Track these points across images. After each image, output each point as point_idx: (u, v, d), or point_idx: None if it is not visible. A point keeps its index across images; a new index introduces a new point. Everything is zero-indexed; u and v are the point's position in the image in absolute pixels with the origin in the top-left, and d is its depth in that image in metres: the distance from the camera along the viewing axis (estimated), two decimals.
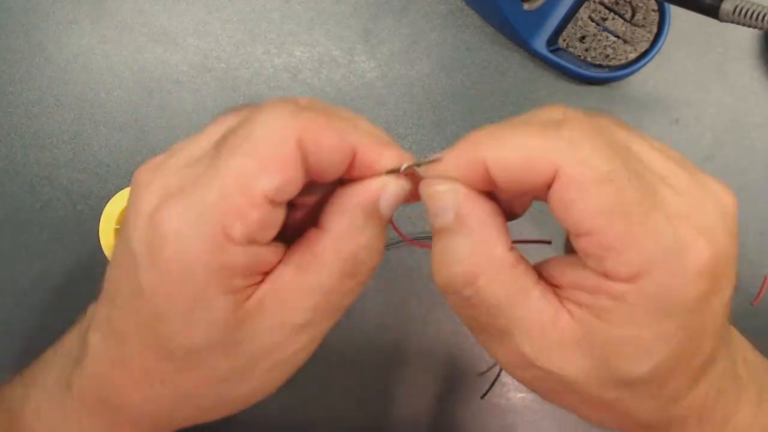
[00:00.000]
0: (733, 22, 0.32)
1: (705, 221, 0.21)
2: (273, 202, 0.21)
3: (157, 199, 0.22)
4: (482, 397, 0.46)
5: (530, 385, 0.24)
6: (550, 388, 0.23)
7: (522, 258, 0.23)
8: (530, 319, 0.22)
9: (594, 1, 0.44)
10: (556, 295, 0.23)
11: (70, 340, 0.29)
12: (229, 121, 0.23)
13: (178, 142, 0.25)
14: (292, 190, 0.21)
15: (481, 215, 0.23)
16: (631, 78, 0.45)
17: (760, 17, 0.31)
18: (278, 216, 0.22)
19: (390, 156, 0.23)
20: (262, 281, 0.23)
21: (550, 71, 0.46)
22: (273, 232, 0.22)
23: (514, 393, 0.46)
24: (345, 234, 0.23)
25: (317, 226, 0.24)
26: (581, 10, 0.44)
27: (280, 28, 0.46)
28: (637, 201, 0.20)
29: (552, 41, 0.44)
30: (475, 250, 0.22)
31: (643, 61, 0.43)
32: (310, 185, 0.23)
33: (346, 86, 0.46)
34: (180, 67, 0.46)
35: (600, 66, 0.44)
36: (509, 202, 0.25)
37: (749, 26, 0.31)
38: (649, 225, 0.20)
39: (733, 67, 0.45)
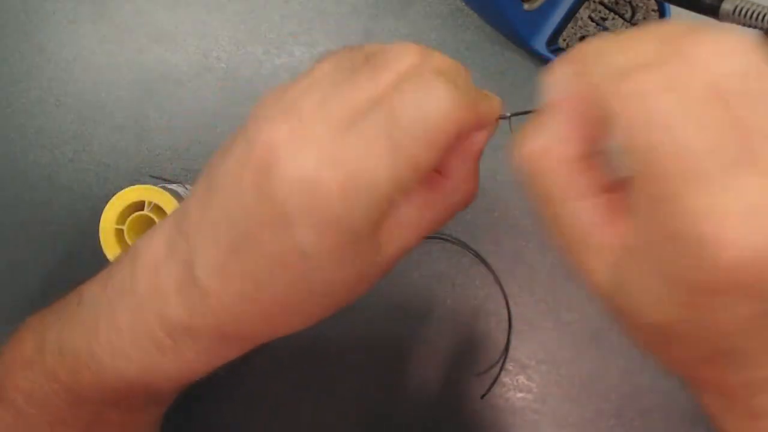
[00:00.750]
0: (733, 22, 0.32)
1: None
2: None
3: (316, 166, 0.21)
4: (482, 397, 0.46)
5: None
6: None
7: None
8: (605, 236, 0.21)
9: (594, 1, 0.44)
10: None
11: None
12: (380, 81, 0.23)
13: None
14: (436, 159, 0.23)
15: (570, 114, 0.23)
16: None
17: (760, 17, 0.31)
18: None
19: (496, 107, 0.27)
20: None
21: None
22: None
23: (513, 393, 0.46)
24: (465, 178, 0.27)
25: (440, 173, 0.26)
26: (581, 10, 0.44)
27: (280, 28, 0.46)
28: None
29: (552, 41, 0.44)
30: (558, 144, 0.23)
31: None
32: None
33: None
34: (180, 67, 0.46)
35: None
36: None
37: (749, 26, 0.31)
38: None
39: None
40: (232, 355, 0.28)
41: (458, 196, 0.27)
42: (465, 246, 0.46)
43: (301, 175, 0.21)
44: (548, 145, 0.22)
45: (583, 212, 0.21)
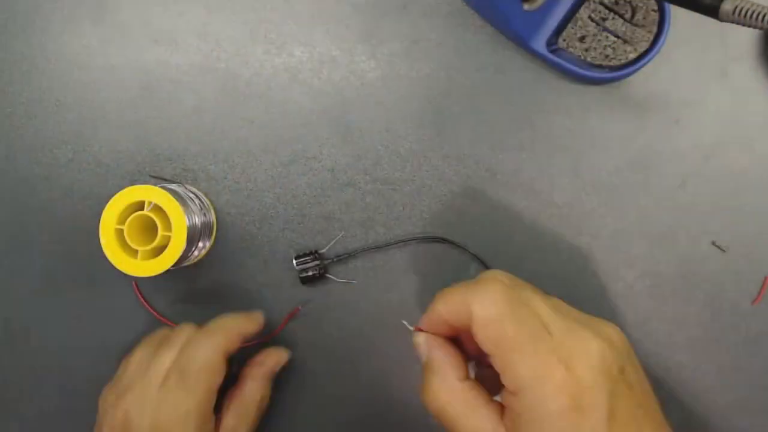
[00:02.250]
0: (733, 22, 0.32)
1: (568, 354, 0.30)
2: (216, 391, 0.40)
3: (152, 412, 0.38)
4: None
5: None
6: None
7: (476, 385, 0.33)
8: (479, 428, 0.31)
9: (594, 1, 0.44)
10: (503, 411, 0.31)
11: None
12: (173, 352, 0.40)
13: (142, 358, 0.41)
14: (220, 380, 0.40)
15: (441, 357, 0.34)
16: (631, 78, 0.45)
17: (760, 17, 0.31)
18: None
19: (257, 324, 0.43)
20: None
21: (550, 71, 0.46)
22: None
23: None
24: (257, 388, 0.42)
25: (240, 386, 0.42)
26: (581, 10, 0.44)
27: (280, 28, 0.46)
28: (516, 337, 0.30)
29: (552, 41, 0.44)
30: (439, 383, 0.33)
31: (643, 61, 0.43)
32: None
33: (346, 86, 0.46)
34: (180, 67, 0.46)
35: (600, 66, 0.44)
36: (467, 342, 0.35)
37: (749, 26, 0.31)
38: (524, 353, 0.30)
39: (733, 67, 0.45)
40: None
41: (257, 400, 0.42)
42: (465, 246, 0.46)
43: (148, 424, 0.37)
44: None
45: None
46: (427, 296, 0.46)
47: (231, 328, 0.41)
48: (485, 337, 0.31)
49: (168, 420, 0.37)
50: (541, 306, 0.32)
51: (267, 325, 0.44)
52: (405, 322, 0.37)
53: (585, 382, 0.29)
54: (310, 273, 0.45)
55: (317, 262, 0.45)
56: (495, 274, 0.34)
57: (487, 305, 0.31)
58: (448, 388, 0.33)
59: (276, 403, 0.46)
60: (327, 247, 0.46)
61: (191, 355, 0.39)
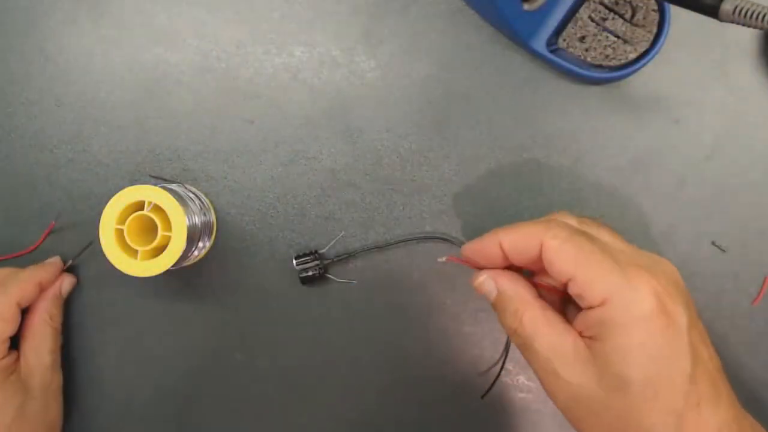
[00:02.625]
0: (733, 22, 0.32)
1: (645, 262, 0.32)
2: (5, 340, 0.42)
3: None
4: (482, 397, 0.46)
5: (554, 397, 0.33)
6: (569, 398, 0.32)
7: (547, 305, 0.34)
8: (558, 343, 0.32)
9: (594, 1, 0.44)
10: (575, 329, 0.33)
11: None
12: None
13: None
14: (13, 329, 0.43)
15: (511, 286, 0.35)
16: (631, 78, 0.45)
17: (760, 17, 0.31)
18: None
19: (56, 273, 0.46)
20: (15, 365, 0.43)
21: (550, 71, 0.46)
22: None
23: (514, 393, 0.46)
24: (46, 309, 0.44)
25: (30, 312, 0.44)
26: (581, 10, 0.44)
27: (280, 28, 0.46)
28: (592, 252, 0.31)
29: (552, 41, 0.44)
30: (517, 307, 0.34)
31: (643, 61, 0.43)
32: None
33: (346, 86, 0.46)
34: (180, 67, 0.46)
35: (600, 66, 0.44)
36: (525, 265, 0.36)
37: (749, 26, 0.31)
38: (604, 266, 0.31)
39: (733, 67, 0.45)
40: None
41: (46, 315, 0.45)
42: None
43: None
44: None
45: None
46: (426, 298, 0.46)
47: (25, 279, 0.43)
48: (563, 260, 0.32)
49: None
50: (607, 236, 0.34)
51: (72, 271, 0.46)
52: (442, 259, 0.40)
53: (669, 288, 0.31)
54: (310, 273, 0.45)
55: (317, 262, 0.45)
56: (563, 216, 0.36)
57: (560, 232, 0.33)
58: (527, 307, 0.34)
59: (274, 403, 0.46)
60: (327, 247, 0.46)
61: None
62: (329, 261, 0.45)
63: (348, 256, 0.46)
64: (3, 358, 0.42)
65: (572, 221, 0.36)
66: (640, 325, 0.30)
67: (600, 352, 0.31)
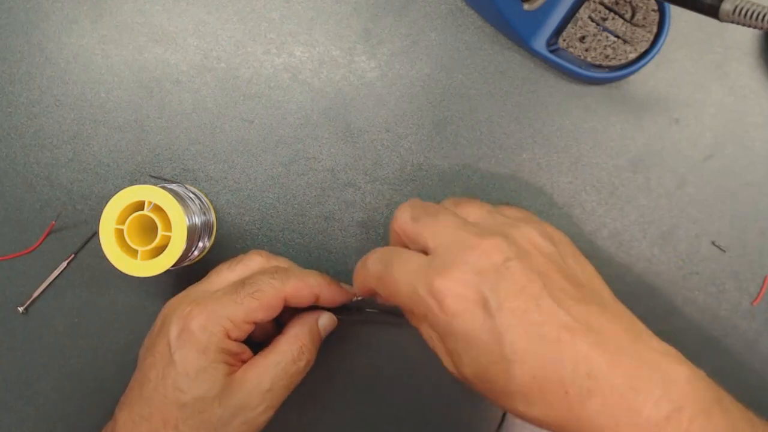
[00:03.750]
0: (733, 22, 0.32)
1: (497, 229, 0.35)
2: (256, 324, 0.38)
3: (189, 306, 0.37)
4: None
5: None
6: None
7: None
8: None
9: (594, 1, 0.44)
10: None
11: None
12: (248, 270, 0.41)
13: (212, 273, 0.41)
14: (269, 319, 0.39)
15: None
16: (631, 78, 0.45)
17: (760, 17, 0.31)
18: (252, 328, 0.39)
19: (339, 295, 0.41)
20: (243, 364, 0.38)
21: (550, 71, 0.46)
22: (246, 335, 0.39)
23: None
24: (295, 336, 0.39)
25: (281, 334, 0.40)
26: (581, 10, 0.44)
27: (280, 28, 0.46)
28: (383, 273, 0.35)
29: (552, 41, 0.44)
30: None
31: (643, 61, 0.43)
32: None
33: (346, 86, 0.46)
34: (180, 67, 0.46)
35: (600, 66, 0.44)
36: None
37: (749, 26, 0.31)
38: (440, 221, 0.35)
39: (733, 67, 0.45)
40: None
41: (293, 348, 0.39)
42: None
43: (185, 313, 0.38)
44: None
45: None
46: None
47: (305, 280, 0.39)
48: (366, 281, 0.36)
49: (199, 311, 0.37)
50: (475, 208, 0.37)
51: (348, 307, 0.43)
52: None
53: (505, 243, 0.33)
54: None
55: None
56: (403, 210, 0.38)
57: (360, 269, 0.37)
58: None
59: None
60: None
61: (258, 278, 0.38)
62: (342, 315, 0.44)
63: (358, 312, 0.45)
64: (238, 340, 0.38)
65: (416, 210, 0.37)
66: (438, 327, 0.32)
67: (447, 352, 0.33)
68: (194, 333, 0.36)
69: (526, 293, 0.31)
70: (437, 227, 0.34)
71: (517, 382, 0.30)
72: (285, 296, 0.38)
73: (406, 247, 0.36)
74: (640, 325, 0.33)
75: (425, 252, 0.34)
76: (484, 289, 0.31)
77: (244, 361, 0.38)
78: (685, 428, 0.28)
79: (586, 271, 0.35)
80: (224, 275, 0.40)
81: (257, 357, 0.39)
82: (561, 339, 0.30)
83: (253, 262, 0.41)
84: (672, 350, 0.32)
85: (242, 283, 0.38)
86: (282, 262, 0.42)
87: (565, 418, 0.30)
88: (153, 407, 0.36)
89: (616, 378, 0.29)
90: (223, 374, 0.37)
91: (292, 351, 0.39)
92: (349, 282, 0.41)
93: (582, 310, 0.31)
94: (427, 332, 0.34)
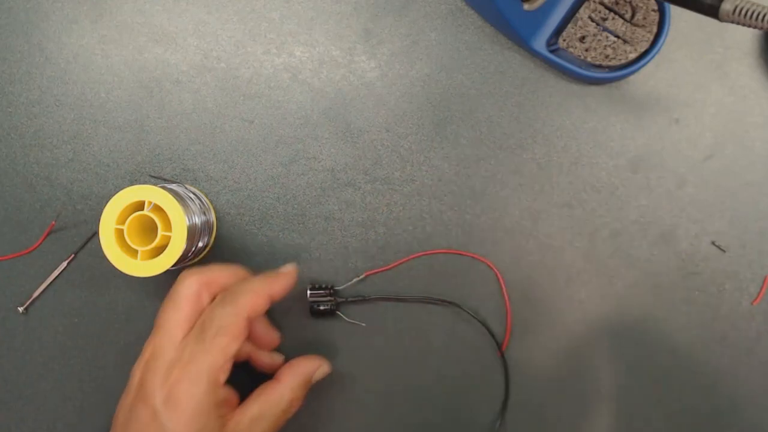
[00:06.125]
0: (733, 22, 0.32)
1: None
2: (233, 357, 0.38)
3: (165, 373, 0.37)
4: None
5: None
6: None
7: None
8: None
9: (594, 1, 0.44)
10: None
11: None
12: (188, 301, 0.39)
13: (159, 320, 0.39)
14: (241, 349, 0.39)
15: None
16: (631, 78, 0.45)
17: (760, 17, 0.31)
18: (233, 361, 0.38)
19: (286, 283, 0.41)
20: (233, 409, 0.39)
21: (550, 71, 0.46)
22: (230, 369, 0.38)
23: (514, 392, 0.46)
24: (291, 390, 0.40)
25: (275, 380, 0.41)
26: (581, 10, 0.44)
27: (280, 28, 0.46)
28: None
29: (552, 41, 0.44)
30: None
31: (643, 61, 0.43)
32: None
33: (346, 86, 0.46)
34: (180, 67, 0.46)
35: (600, 66, 0.44)
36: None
37: (749, 26, 0.31)
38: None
39: (733, 67, 0.45)
40: None
41: (287, 398, 0.40)
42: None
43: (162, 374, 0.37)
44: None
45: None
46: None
47: (256, 290, 0.39)
48: None
49: (180, 375, 0.36)
50: None
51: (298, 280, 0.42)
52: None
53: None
54: (322, 308, 0.45)
55: (330, 299, 0.45)
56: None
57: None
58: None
59: None
60: (344, 286, 0.45)
61: (212, 314, 0.37)
62: (343, 300, 0.45)
63: (363, 300, 0.45)
64: (224, 385, 0.38)
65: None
66: None
67: None
68: (181, 399, 0.36)
69: None
70: None
71: None
72: (246, 316, 0.38)
73: None
74: None
75: None
76: None
77: (233, 406, 0.39)
78: None
79: None
80: (172, 318, 0.38)
81: (250, 404, 0.39)
82: None
83: (185, 287, 0.39)
84: None
85: (201, 329, 0.37)
86: (212, 271, 0.40)
87: None
88: None
89: None
90: (218, 427, 0.37)
91: (283, 403, 0.39)
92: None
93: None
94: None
